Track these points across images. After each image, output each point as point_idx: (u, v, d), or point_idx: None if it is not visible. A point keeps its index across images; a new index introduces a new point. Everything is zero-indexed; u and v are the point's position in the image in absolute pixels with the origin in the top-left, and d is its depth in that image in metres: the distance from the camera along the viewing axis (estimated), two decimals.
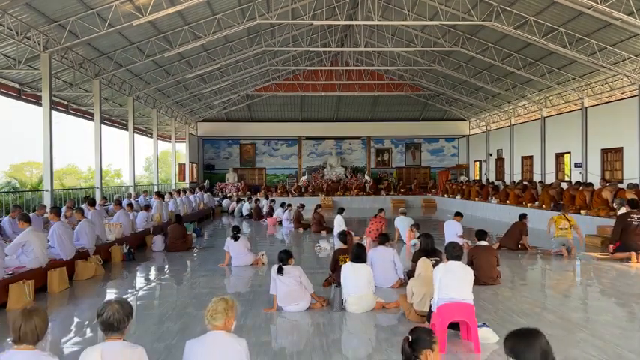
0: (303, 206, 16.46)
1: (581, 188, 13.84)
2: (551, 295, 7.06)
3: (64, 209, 11.25)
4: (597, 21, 13.12)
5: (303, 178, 28.22)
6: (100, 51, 14.74)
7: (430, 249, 7.18)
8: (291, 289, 6.09)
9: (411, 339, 2.77)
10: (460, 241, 9.95)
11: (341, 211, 13.26)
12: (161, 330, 5.48)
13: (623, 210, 9.81)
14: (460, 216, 11.22)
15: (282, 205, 17.76)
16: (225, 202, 23.42)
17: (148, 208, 13.07)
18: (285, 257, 6.26)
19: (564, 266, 9.17)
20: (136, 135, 19.72)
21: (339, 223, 12.49)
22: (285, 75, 24.93)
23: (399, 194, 26.74)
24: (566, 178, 19.18)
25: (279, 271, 6.12)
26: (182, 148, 27.59)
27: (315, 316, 5.96)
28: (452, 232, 10.63)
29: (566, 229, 10.03)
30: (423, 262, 6.17)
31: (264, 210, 18.83)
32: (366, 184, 27.43)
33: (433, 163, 30.49)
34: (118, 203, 12.04)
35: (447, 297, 4.77)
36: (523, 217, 11.13)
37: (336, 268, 7.21)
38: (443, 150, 30.58)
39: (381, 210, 12.69)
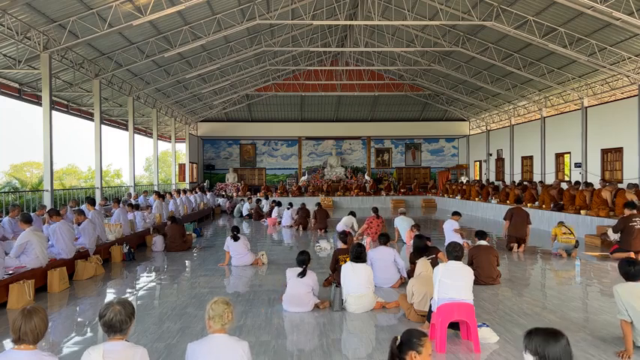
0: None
1: (581, 188, 13.84)
2: (551, 295, 7.06)
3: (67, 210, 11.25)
4: (597, 21, 13.13)
5: (303, 178, 28.21)
6: (100, 51, 14.73)
7: (422, 247, 7.27)
8: (299, 293, 6.15)
9: (399, 340, 2.75)
10: (459, 239, 9.99)
11: (353, 214, 13.28)
12: (161, 330, 5.48)
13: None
14: (458, 215, 11.25)
15: (279, 203, 17.86)
16: (221, 201, 23.45)
17: (143, 207, 13.05)
18: (308, 259, 6.35)
19: (564, 266, 9.17)
20: (136, 135, 19.71)
21: (344, 223, 12.51)
22: (285, 75, 24.93)
23: (399, 194, 26.75)
24: (566, 178, 19.18)
25: (303, 273, 6.20)
26: (182, 148, 27.61)
27: (315, 316, 5.96)
28: (450, 230, 10.66)
29: (570, 234, 10.00)
30: (423, 262, 6.19)
31: (265, 210, 18.86)
32: (366, 184, 27.43)
33: (433, 163, 30.49)
34: (117, 201, 12.05)
35: (447, 297, 4.77)
36: (519, 202, 11.58)
37: (336, 268, 7.22)
38: (443, 150, 30.58)
39: (376, 210, 12.69)
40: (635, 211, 9.47)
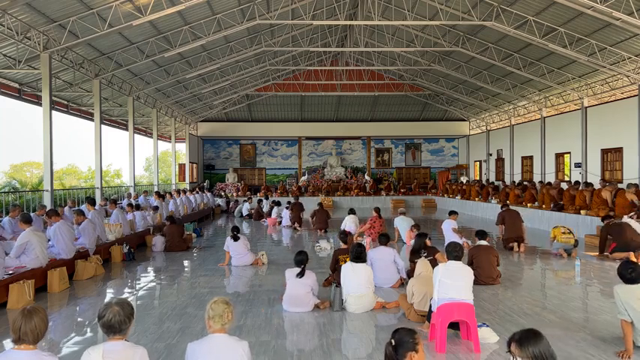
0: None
1: (581, 188, 13.84)
2: (551, 295, 7.05)
3: (66, 210, 11.24)
4: (597, 21, 13.12)
5: (303, 178, 28.21)
6: (100, 51, 14.73)
7: (417, 248, 7.35)
8: (299, 293, 6.15)
9: (394, 343, 2.73)
10: (458, 239, 9.99)
11: (352, 211, 13.30)
12: (161, 330, 5.48)
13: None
14: (455, 214, 11.38)
15: (278, 203, 17.87)
16: (220, 201, 23.46)
17: (144, 207, 13.05)
18: (306, 260, 6.33)
19: (564, 266, 9.17)
20: (136, 135, 19.71)
21: (352, 221, 12.54)
22: (285, 75, 24.92)
23: (399, 194, 26.75)
24: (566, 178, 19.17)
25: (302, 274, 6.19)
26: (182, 148, 27.60)
27: (315, 316, 5.96)
28: (449, 230, 10.68)
29: (569, 234, 10.02)
30: (423, 262, 6.19)
31: (265, 209, 18.87)
32: (366, 184, 27.42)
33: (433, 163, 30.49)
34: (113, 202, 12.05)
35: (447, 297, 4.77)
36: (505, 205, 11.78)
37: (336, 268, 7.22)
38: (443, 150, 30.58)
39: (379, 210, 12.68)
40: (612, 214, 10.07)
